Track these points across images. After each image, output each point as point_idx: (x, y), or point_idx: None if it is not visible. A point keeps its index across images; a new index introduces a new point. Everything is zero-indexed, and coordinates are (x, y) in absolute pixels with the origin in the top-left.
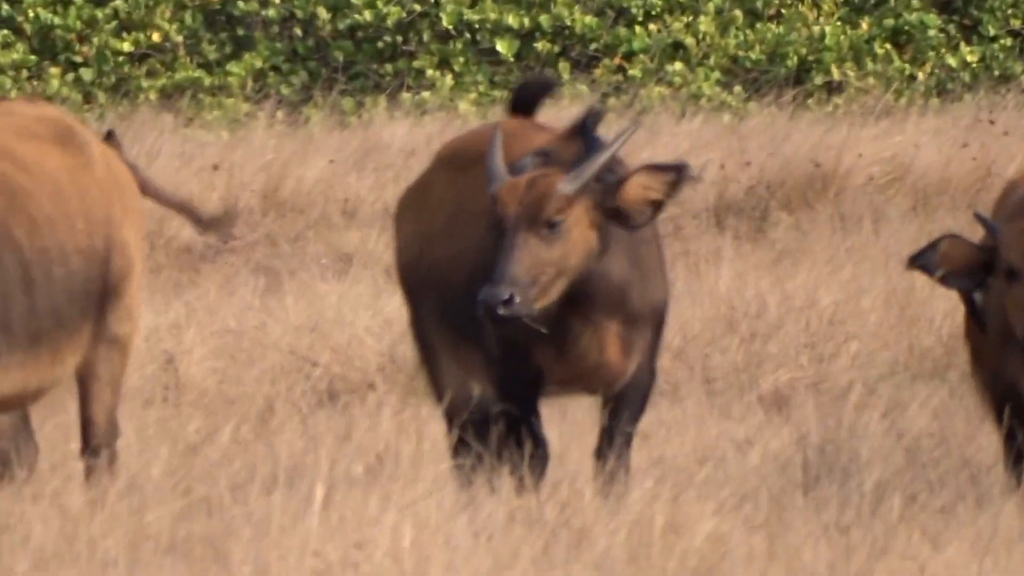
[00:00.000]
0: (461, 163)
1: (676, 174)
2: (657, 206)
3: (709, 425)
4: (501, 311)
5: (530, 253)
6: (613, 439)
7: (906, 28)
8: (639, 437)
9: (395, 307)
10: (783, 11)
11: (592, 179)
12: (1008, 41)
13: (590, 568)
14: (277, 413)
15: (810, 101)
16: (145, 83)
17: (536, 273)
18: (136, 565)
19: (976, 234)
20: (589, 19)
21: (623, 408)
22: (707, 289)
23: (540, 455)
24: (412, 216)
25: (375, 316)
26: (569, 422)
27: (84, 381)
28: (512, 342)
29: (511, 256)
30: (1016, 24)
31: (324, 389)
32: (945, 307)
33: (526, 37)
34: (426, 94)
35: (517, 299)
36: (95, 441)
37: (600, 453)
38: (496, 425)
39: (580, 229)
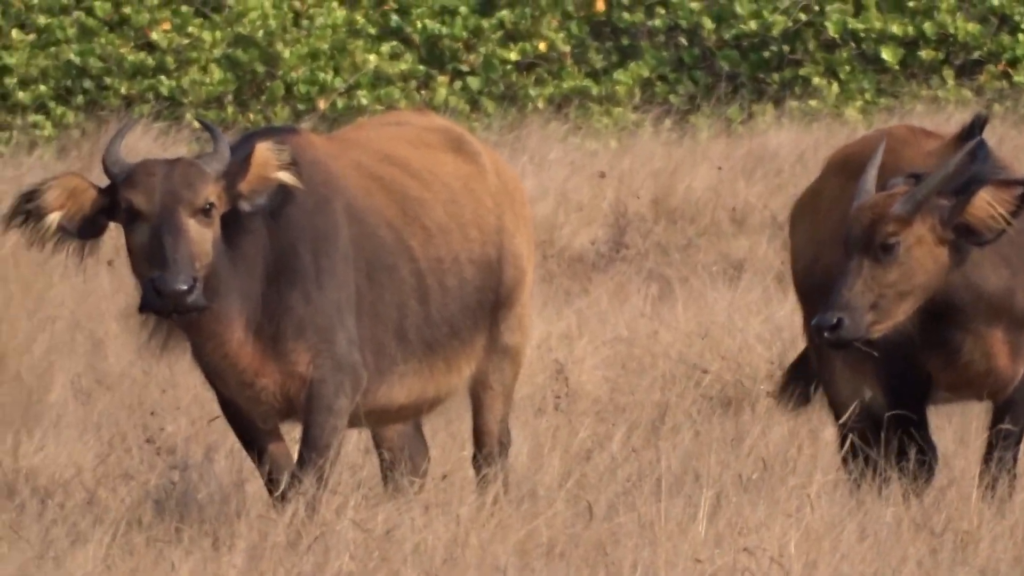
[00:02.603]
0: (851, 170)
1: None
2: (1007, 220)
3: None
4: (828, 335)
5: (864, 278)
6: (1000, 443)
7: None
8: None
9: (785, 314)
10: None
11: (931, 198)
12: None
13: (975, 572)
14: (668, 420)
15: None
16: (532, 92)
17: (873, 297)
18: (525, 571)
19: None
20: (972, 26)
21: (1011, 412)
22: None
23: (928, 460)
24: (805, 222)
25: (765, 323)
26: (956, 426)
27: (477, 390)
28: (900, 350)
29: (845, 281)
30: None
31: (715, 396)
32: None
33: (910, 45)
34: (812, 102)
35: (846, 323)
36: (487, 449)
37: (987, 457)
38: (886, 431)
39: (923, 249)
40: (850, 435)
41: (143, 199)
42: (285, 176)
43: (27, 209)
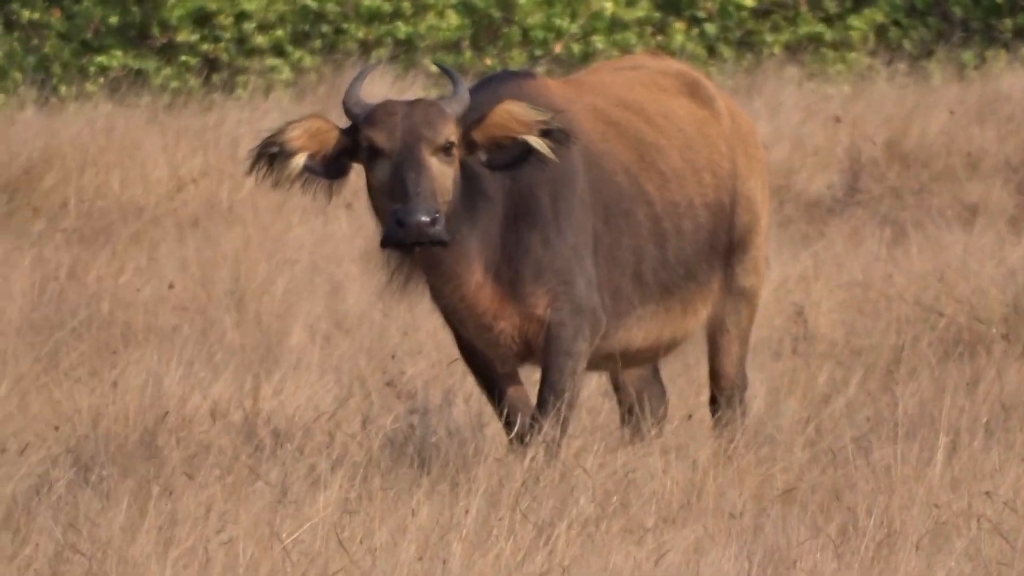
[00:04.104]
0: None
1: None
2: None
3: None
4: None
5: None
6: None
7: None
8: None
9: (1019, 257)
10: None
11: None
12: None
13: None
14: (904, 363)
15: None
16: (769, 37)
17: None
18: (761, 515)
19: None
20: None
21: None
22: None
23: None
24: None
25: (999, 266)
26: None
27: (713, 334)
28: None
29: None
30: None
31: (950, 339)
32: None
33: None
34: None
35: None
36: (724, 393)
37: None
38: None
39: None
40: None
41: (384, 137)
42: (534, 140)
43: (272, 150)
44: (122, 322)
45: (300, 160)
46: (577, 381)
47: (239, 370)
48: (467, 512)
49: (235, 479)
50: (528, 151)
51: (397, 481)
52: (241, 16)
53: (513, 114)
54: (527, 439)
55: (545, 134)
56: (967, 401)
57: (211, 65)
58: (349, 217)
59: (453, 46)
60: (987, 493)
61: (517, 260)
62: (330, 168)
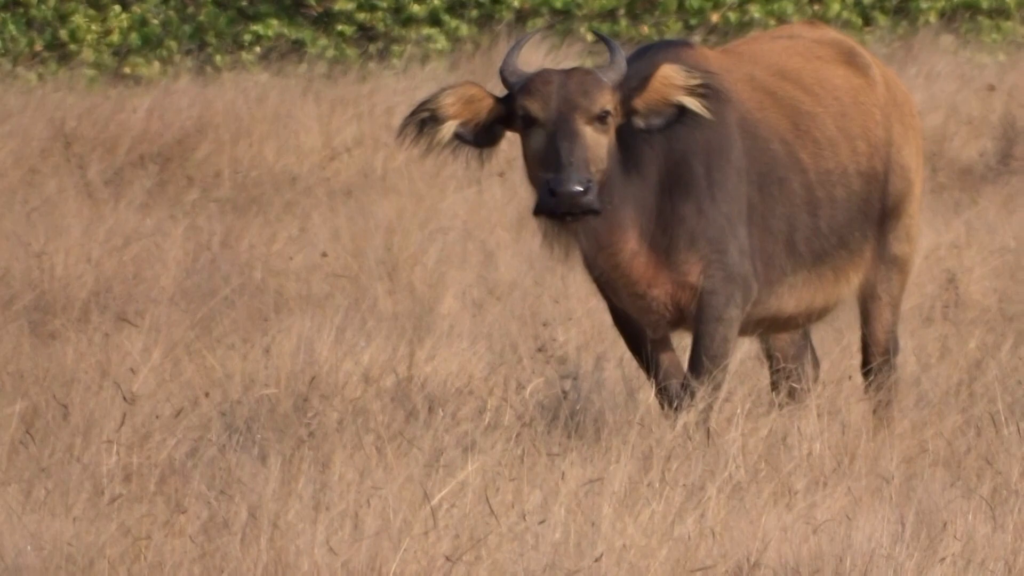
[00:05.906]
0: None
1: None
2: None
3: None
4: None
5: None
6: None
7: None
8: None
9: None
10: None
11: None
12: None
13: None
14: None
15: None
16: (924, 5)
17: None
18: (912, 480)
19: None
20: None
21: None
22: None
23: None
24: None
25: None
26: None
27: (865, 301)
28: None
29: None
30: None
31: None
32: None
33: None
34: None
35: None
36: (877, 359)
37: None
38: None
39: None
40: None
41: (539, 106)
42: (689, 101)
43: (424, 116)
44: (274, 290)
45: (451, 127)
46: (729, 347)
47: (391, 337)
48: (617, 476)
49: (387, 444)
50: (683, 112)
51: (548, 445)
52: None
53: (669, 78)
54: (679, 404)
55: (699, 95)
56: None
57: (367, 35)
58: (503, 185)
59: (609, 15)
60: None
61: (671, 228)
62: (481, 136)
